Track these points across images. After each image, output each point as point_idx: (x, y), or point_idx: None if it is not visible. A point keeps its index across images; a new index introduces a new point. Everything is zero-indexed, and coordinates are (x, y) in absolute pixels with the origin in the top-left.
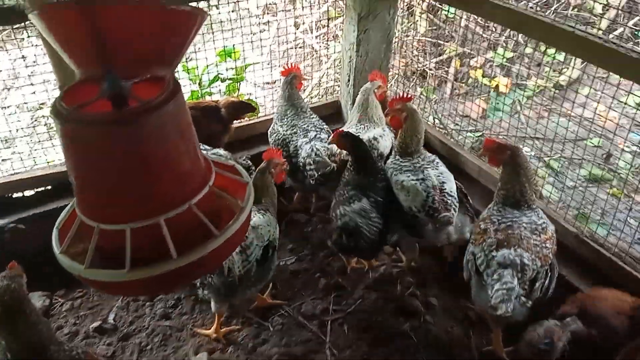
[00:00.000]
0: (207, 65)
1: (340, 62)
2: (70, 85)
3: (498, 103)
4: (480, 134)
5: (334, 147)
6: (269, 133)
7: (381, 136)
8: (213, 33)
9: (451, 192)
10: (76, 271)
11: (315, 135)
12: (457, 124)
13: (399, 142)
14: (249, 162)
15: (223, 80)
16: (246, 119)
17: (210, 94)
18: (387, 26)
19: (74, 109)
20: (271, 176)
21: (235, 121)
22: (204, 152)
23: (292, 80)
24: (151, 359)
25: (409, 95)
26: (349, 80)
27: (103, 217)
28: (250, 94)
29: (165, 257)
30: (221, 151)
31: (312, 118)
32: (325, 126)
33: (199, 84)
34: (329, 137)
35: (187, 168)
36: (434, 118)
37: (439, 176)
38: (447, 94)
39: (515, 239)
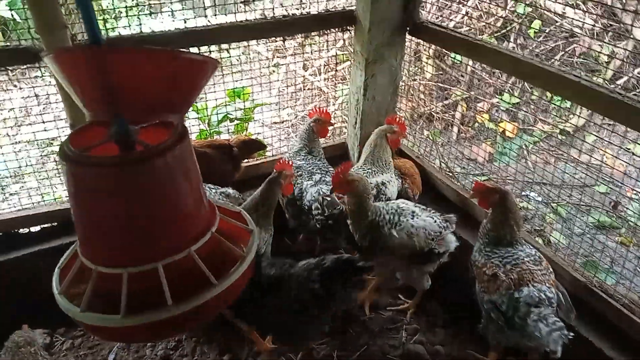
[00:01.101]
0: (217, 105)
1: (347, 104)
2: (79, 127)
3: (505, 147)
4: (487, 178)
5: None
6: None
7: (389, 182)
8: (224, 76)
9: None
10: (71, 313)
11: (321, 178)
12: (463, 168)
13: None
14: None
15: (232, 120)
16: (255, 157)
17: (219, 133)
18: (394, 71)
19: (80, 151)
20: (279, 187)
21: (245, 160)
22: (213, 191)
23: (314, 123)
24: None
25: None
26: (355, 123)
27: (102, 260)
28: (258, 133)
29: (161, 303)
30: (230, 190)
31: (319, 161)
32: (330, 169)
33: (208, 123)
34: None
35: (190, 213)
36: (440, 162)
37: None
38: (453, 138)
39: (527, 274)
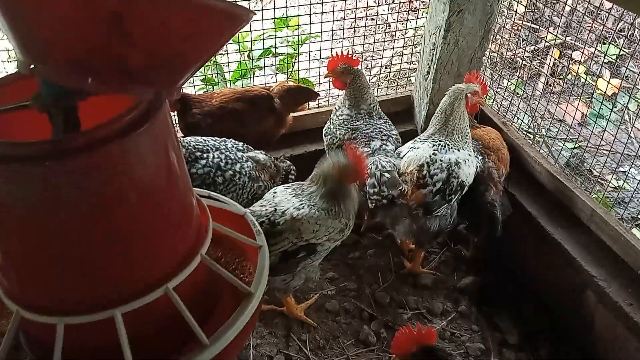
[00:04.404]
0: (263, 32)
1: (419, 43)
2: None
3: (602, 109)
4: (578, 145)
5: (403, 163)
6: (323, 132)
7: (465, 161)
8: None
9: None
10: None
11: (381, 146)
12: (549, 129)
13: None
14: (289, 162)
15: (275, 55)
16: (305, 108)
17: (260, 68)
18: (489, 8)
19: None
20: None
21: (292, 112)
22: (240, 154)
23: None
24: None
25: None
26: (428, 73)
27: (27, 301)
28: (308, 69)
29: None
30: (260, 155)
31: (380, 120)
32: (394, 132)
33: (249, 55)
34: (397, 147)
35: (164, 231)
36: (532, 126)
37: None
38: (538, 92)
39: None
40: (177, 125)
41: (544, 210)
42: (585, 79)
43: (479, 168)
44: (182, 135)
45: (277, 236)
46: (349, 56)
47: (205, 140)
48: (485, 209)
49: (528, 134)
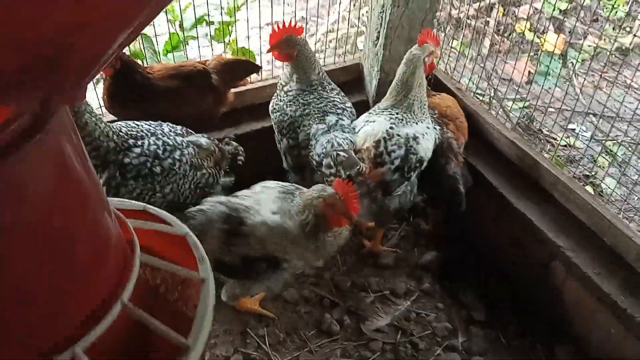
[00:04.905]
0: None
1: (364, 5)
2: None
3: (548, 66)
4: (527, 104)
5: (359, 138)
6: (270, 109)
7: (424, 135)
8: None
9: None
10: None
11: (337, 122)
12: (497, 89)
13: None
14: (235, 144)
15: (209, 24)
16: (247, 83)
17: (195, 37)
18: None
19: None
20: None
21: (232, 87)
22: (179, 139)
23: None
24: None
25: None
26: (377, 39)
27: None
28: (248, 37)
29: None
30: (202, 139)
31: (332, 92)
32: (348, 104)
33: (180, 25)
34: (352, 121)
35: (70, 274)
36: (486, 88)
37: None
38: (484, 51)
39: None
40: (104, 97)
41: (503, 178)
42: (539, 39)
43: (437, 140)
44: (111, 118)
45: (240, 236)
46: (291, 25)
47: (138, 125)
48: (446, 182)
49: (481, 97)
